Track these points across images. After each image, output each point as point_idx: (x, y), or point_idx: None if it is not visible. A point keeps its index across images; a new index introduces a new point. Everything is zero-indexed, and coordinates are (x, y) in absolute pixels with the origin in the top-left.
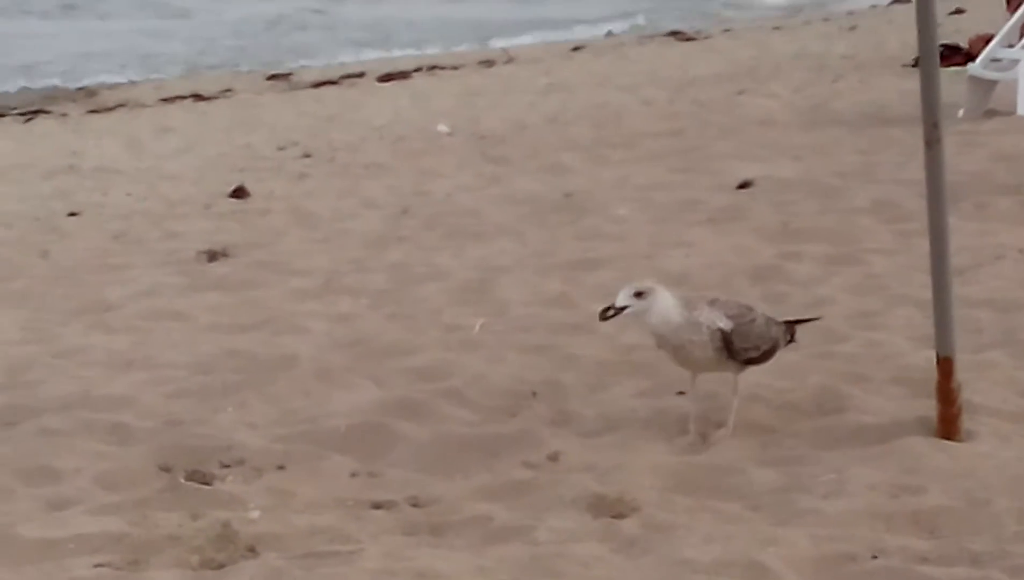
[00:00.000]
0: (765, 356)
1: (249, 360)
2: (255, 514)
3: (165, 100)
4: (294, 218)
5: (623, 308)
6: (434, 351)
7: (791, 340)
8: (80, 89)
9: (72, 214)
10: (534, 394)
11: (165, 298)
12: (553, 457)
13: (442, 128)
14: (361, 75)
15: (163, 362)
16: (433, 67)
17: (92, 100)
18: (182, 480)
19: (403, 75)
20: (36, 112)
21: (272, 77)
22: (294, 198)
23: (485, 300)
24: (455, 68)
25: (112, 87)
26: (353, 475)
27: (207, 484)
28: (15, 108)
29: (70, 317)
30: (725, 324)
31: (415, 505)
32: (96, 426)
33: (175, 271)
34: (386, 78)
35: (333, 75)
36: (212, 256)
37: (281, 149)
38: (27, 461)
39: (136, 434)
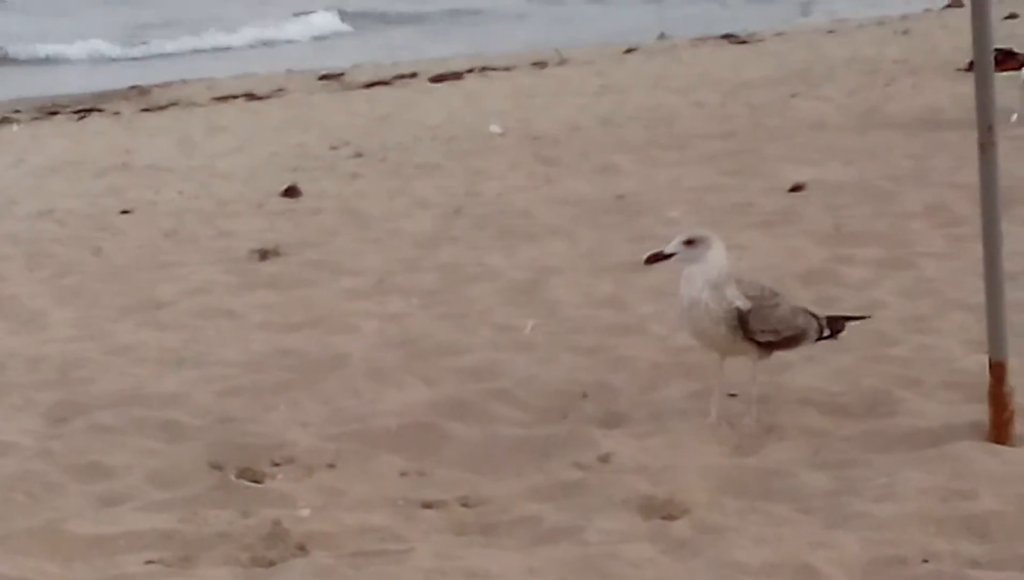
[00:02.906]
0: (787, 343)
1: (300, 359)
2: (305, 512)
3: (218, 99)
4: (346, 217)
5: (671, 255)
6: (485, 351)
7: (830, 335)
8: (133, 88)
9: (124, 212)
10: (585, 395)
11: (216, 296)
12: (604, 458)
13: (494, 129)
14: (413, 75)
15: (214, 360)
16: (485, 68)
17: (144, 98)
18: (233, 478)
19: (455, 76)
20: (89, 110)
21: (324, 77)
22: (346, 197)
23: (536, 301)
24: (507, 69)
25: (164, 85)
26: (403, 474)
27: (258, 482)
28: (68, 106)
29: (122, 314)
30: (743, 303)
31: (465, 505)
32: (147, 423)
33: (227, 269)
34: (438, 79)
35: (385, 75)
36: (264, 255)
37: (333, 149)
38: (79, 458)
39: (187, 431)
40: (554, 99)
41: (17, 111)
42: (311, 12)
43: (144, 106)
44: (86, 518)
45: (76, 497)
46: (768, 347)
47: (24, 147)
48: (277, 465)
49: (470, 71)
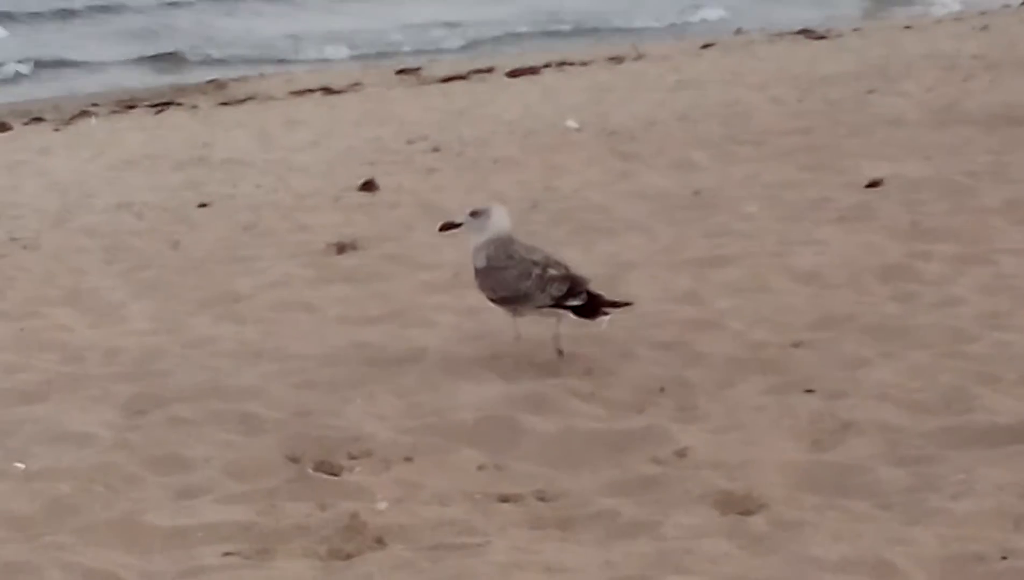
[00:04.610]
0: (505, 302)
1: (377, 352)
2: (383, 505)
3: (295, 93)
4: (423, 212)
5: (460, 224)
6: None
7: (577, 308)
8: (210, 81)
9: (202, 205)
10: (662, 390)
11: (294, 289)
12: (681, 453)
13: (571, 124)
14: (490, 70)
15: (292, 353)
16: (562, 63)
17: (222, 92)
18: (310, 471)
19: (532, 70)
20: (167, 104)
21: (401, 71)
22: (423, 192)
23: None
24: (584, 64)
25: (242, 80)
26: (480, 468)
27: (335, 475)
28: (146, 100)
29: (200, 307)
30: (480, 262)
31: (542, 499)
32: (225, 416)
33: (304, 263)
34: (515, 73)
35: (462, 70)
36: (341, 248)
37: (410, 143)
38: (157, 450)
39: (265, 424)
40: (631, 94)
41: (95, 104)
42: None
43: (222, 100)
44: (164, 510)
45: (154, 489)
46: (494, 302)
47: (102, 140)
48: (354, 458)
49: (547, 66)
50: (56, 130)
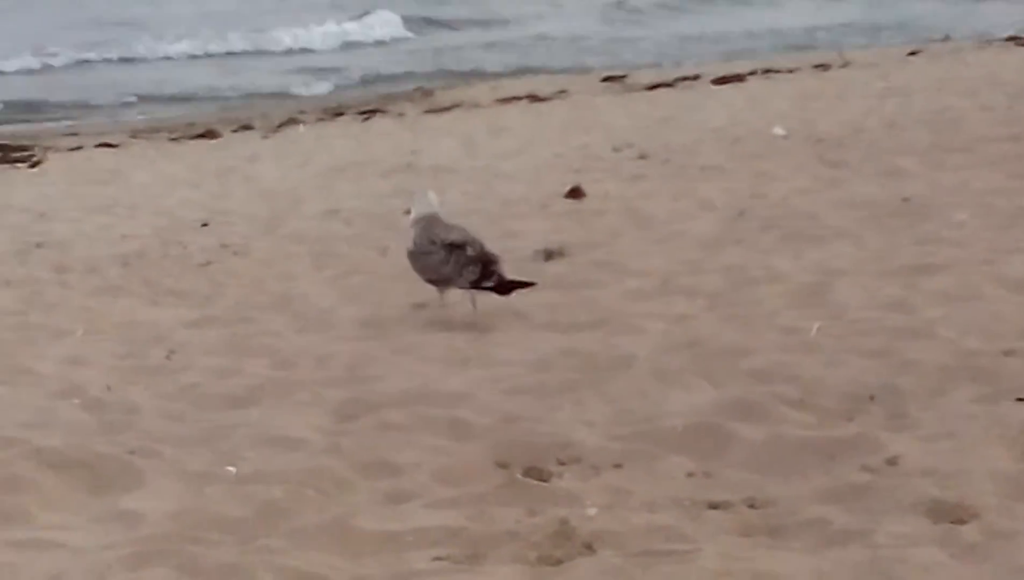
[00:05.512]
0: (433, 283)
1: (586, 359)
2: (592, 511)
3: (501, 100)
4: (630, 219)
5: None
6: (770, 353)
7: (491, 289)
8: (417, 89)
9: (409, 212)
10: (872, 398)
11: (503, 297)
12: (891, 461)
13: (778, 131)
14: (696, 77)
15: (500, 359)
16: (768, 70)
17: (428, 100)
18: (519, 476)
19: (738, 78)
20: (374, 111)
21: (607, 79)
22: (629, 199)
23: (822, 303)
24: (790, 71)
25: (448, 87)
26: (689, 475)
27: (544, 481)
28: (353, 107)
29: (409, 313)
30: (411, 245)
31: (752, 506)
32: (434, 421)
33: (512, 270)
34: (721, 81)
35: (668, 77)
36: (549, 255)
37: (616, 150)
38: (367, 455)
39: (474, 430)
40: (837, 101)
41: (303, 112)
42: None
43: (428, 107)
44: (374, 514)
45: (364, 493)
46: (429, 284)
47: (310, 148)
48: (563, 464)
49: (753, 73)
50: (264, 137)
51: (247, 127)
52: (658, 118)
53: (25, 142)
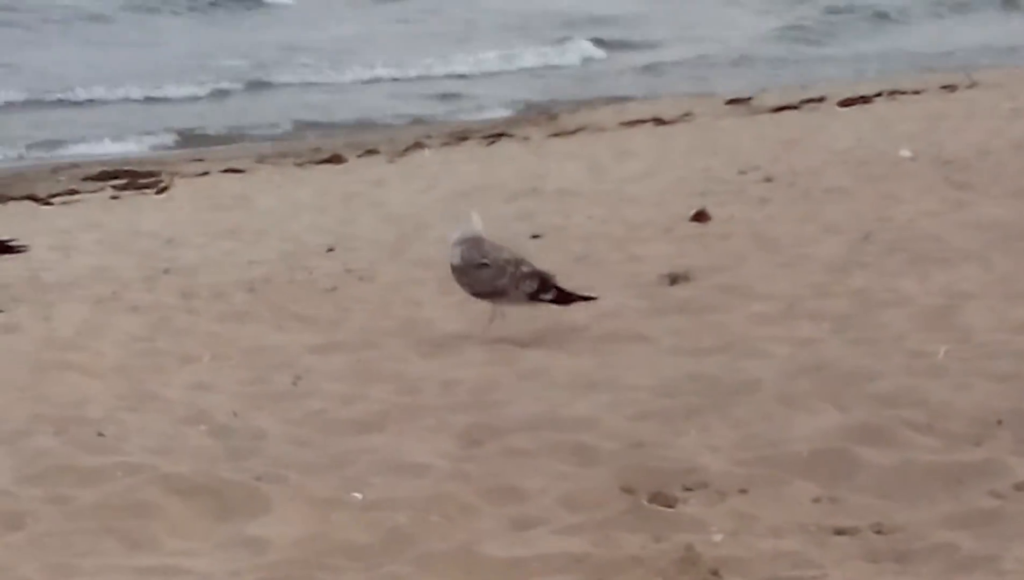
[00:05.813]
0: (487, 296)
1: (711, 383)
2: (718, 537)
3: (625, 124)
4: (755, 242)
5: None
6: (897, 377)
7: (551, 301)
8: (542, 112)
9: (535, 236)
10: (1000, 422)
11: (627, 320)
12: (1020, 486)
13: (905, 153)
14: (821, 100)
15: (626, 384)
16: (894, 92)
17: (553, 124)
18: (645, 502)
19: (864, 99)
20: (499, 135)
21: (732, 101)
22: (755, 222)
23: (949, 326)
24: (916, 93)
25: (573, 111)
26: (815, 500)
27: (670, 507)
28: (478, 131)
29: (533, 338)
30: (457, 261)
31: (879, 532)
32: (560, 447)
33: (637, 294)
34: (847, 103)
35: (793, 99)
36: (674, 279)
37: (742, 173)
38: (492, 480)
39: (599, 455)
40: (964, 122)
41: (428, 136)
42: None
43: (553, 131)
44: (500, 540)
45: (489, 519)
46: (477, 297)
47: (435, 172)
48: (689, 490)
49: (879, 95)
50: (390, 162)
51: (373, 152)
52: (783, 140)
53: (152, 168)
